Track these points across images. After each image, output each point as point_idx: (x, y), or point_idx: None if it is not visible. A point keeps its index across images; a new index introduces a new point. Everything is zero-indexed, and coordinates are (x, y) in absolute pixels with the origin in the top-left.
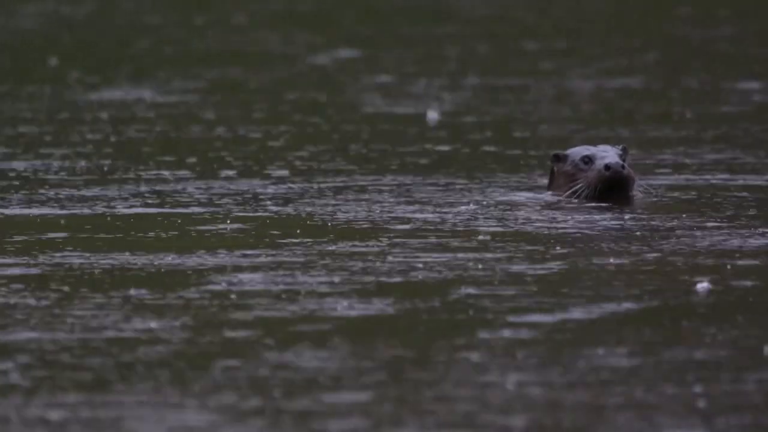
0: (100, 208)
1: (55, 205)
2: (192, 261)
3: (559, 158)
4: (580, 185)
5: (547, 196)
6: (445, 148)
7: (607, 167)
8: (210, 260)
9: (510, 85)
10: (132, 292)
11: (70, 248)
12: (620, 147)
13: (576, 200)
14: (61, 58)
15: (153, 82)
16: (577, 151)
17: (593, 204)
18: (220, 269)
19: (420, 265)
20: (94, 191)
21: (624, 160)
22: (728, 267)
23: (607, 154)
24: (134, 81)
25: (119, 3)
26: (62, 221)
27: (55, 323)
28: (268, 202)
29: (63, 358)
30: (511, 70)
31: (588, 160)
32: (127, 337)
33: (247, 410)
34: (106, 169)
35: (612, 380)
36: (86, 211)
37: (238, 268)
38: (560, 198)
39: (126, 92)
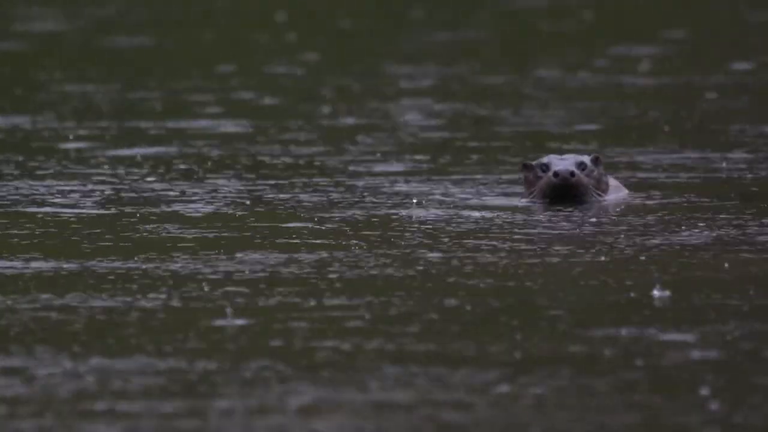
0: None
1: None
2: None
3: (527, 167)
4: (534, 192)
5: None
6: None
7: (556, 174)
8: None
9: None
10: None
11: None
12: (591, 156)
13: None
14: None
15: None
16: (540, 160)
17: (542, 206)
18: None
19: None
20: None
21: (584, 168)
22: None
23: (563, 162)
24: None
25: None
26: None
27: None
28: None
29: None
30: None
31: (545, 167)
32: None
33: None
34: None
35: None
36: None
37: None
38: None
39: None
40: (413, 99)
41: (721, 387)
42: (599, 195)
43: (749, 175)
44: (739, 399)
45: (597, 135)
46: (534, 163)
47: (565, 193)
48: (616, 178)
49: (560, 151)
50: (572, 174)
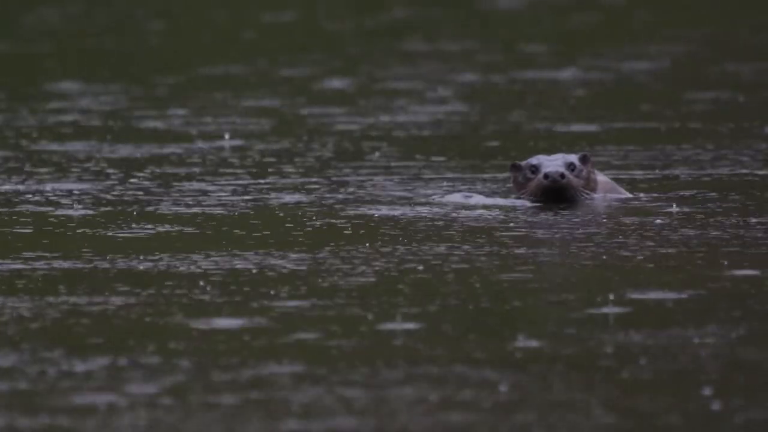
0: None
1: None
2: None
3: (516, 168)
4: (525, 194)
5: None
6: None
7: (546, 176)
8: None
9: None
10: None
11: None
12: (579, 155)
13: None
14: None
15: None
16: (529, 161)
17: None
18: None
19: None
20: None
21: (573, 169)
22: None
23: (552, 163)
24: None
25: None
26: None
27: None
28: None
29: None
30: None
31: (534, 169)
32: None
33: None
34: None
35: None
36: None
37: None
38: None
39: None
40: (411, 99)
41: (723, 387)
42: (588, 194)
43: (744, 173)
44: (741, 399)
45: (591, 134)
46: (523, 163)
47: (555, 195)
48: (612, 178)
49: (550, 151)
50: (562, 176)
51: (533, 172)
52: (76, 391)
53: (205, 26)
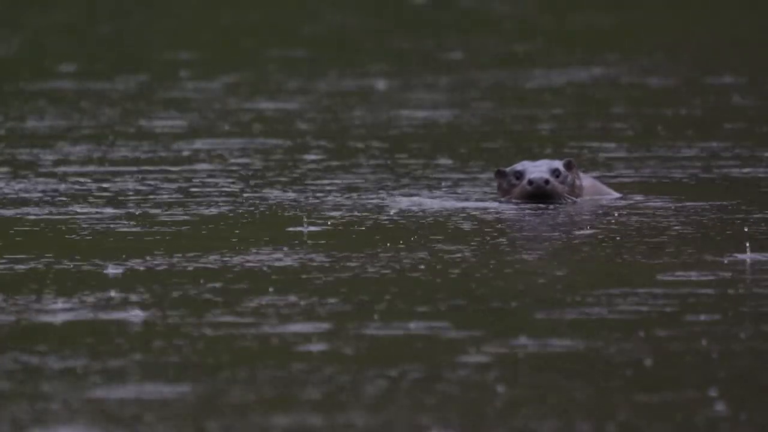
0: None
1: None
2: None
3: (500, 174)
4: (509, 200)
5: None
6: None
7: (530, 182)
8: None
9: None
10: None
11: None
12: (564, 161)
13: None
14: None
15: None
16: (514, 167)
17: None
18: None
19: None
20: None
21: (558, 175)
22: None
23: (537, 169)
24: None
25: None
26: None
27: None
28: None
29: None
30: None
31: (519, 175)
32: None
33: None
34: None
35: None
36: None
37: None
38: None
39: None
40: (405, 99)
41: (727, 388)
42: (573, 200)
43: (744, 172)
44: (745, 399)
45: (590, 135)
46: (507, 169)
47: (539, 201)
48: (603, 181)
49: (535, 156)
50: (546, 182)
51: (518, 178)
52: (77, 391)
53: (206, 27)
